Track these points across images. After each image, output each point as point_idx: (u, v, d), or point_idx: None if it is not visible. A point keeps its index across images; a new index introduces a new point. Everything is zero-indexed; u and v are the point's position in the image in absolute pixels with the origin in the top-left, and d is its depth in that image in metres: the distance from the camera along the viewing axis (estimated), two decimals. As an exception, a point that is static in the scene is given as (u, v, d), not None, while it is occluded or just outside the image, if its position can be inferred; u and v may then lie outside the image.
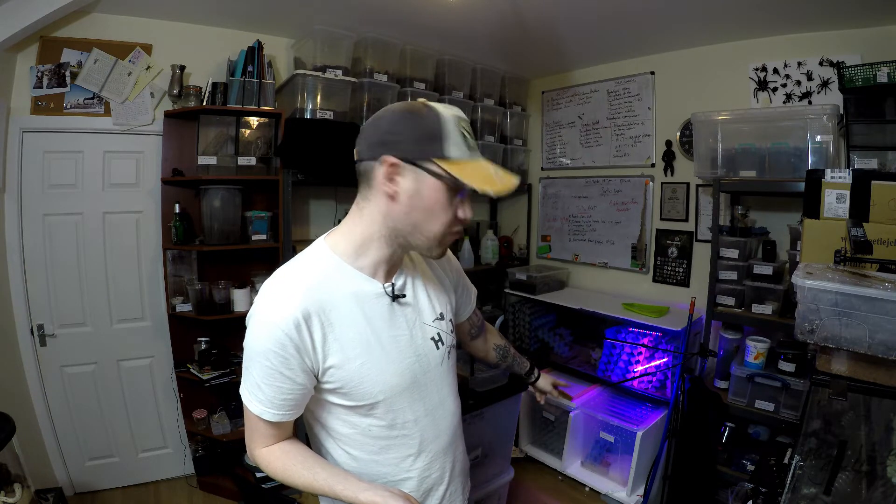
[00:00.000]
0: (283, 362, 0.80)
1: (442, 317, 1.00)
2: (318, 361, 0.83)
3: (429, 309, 0.98)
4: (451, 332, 1.02)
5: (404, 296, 0.93)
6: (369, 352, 0.86)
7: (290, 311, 0.79)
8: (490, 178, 0.79)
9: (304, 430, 1.01)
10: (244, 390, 0.86)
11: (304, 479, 0.84)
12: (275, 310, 0.80)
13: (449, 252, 1.08)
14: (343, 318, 0.85)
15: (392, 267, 0.92)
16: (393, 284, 0.91)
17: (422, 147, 0.79)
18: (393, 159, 0.79)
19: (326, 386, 0.86)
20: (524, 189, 3.57)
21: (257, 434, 0.88)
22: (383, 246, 0.88)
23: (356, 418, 0.89)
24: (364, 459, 0.91)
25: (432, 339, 0.96)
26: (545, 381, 1.46)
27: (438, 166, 0.79)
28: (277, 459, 0.87)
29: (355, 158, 0.86)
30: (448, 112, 0.81)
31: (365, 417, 0.89)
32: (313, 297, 0.82)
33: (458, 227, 0.87)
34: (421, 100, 0.85)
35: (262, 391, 0.82)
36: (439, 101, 2.79)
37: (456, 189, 0.82)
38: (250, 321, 0.83)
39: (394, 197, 0.82)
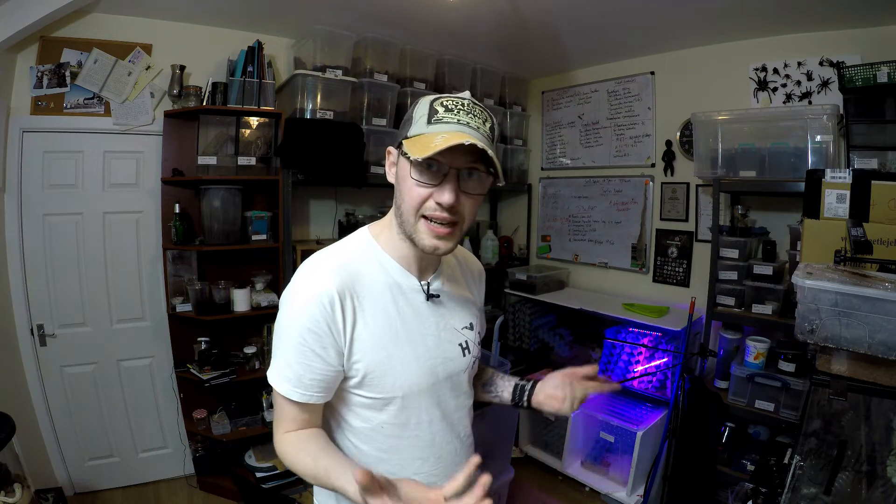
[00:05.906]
0: (316, 339, 0.80)
1: (471, 327, 1.00)
2: (345, 342, 0.82)
3: (460, 316, 0.97)
4: (478, 344, 1.02)
5: (438, 296, 0.93)
6: (396, 344, 0.86)
7: (324, 286, 0.80)
8: (428, 145, 0.74)
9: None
10: (272, 372, 0.84)
11: (306, 466, 0.82)
12: (310, 286, 0.81)
13: (485, 281, 1.13)
14: (375, 304, 0.85)
15: (423, 266, 0.92)
16: (429, 283, 0.92)
17: (401, 132, 0.85)
18: (390, 148, 0.89)
19: (347, 372, 0.85)
20: (524, 189, 3.57)
21: (283, 419, 0.86)
22: (395, 236, 0.89)
23: (370, 413, 0.88)
24: (371, 455, 0.89)
25: (460, 345, 0.96)
26: (552, 383, 1.04)
27: (403, 145, 0.82)
28: (290, 444, 0.85)
29: None
30: (430, 96, 0.83)
31: (380, 413, 0.88)
32: (348, 276, 0.83)
33: (437, 210, 0.80)
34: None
35: (291, 369, 0.81)
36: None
37: (423, 164, 0.78)
38: (284, 299, 0.83)
39: (395, 183, 0.87)
